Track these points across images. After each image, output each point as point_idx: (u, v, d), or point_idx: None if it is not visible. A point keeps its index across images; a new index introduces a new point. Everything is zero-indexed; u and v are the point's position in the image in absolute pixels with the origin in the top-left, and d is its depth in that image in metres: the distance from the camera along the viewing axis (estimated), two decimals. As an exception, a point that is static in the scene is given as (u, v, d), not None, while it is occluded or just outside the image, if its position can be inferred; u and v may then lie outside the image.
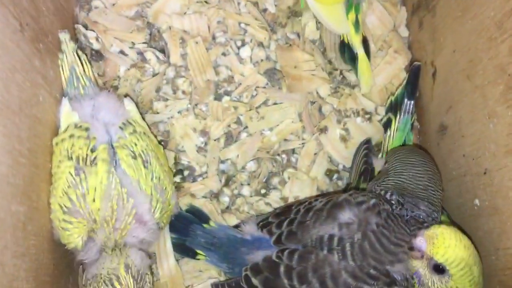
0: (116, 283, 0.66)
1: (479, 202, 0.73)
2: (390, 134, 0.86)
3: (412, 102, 0.87)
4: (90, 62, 0.85)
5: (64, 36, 0.80)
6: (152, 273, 0.72)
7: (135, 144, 0.73)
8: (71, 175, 0.69)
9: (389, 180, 0.73)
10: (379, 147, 0.89)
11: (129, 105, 0.80)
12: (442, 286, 0.65)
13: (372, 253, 0.67)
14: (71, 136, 0.72)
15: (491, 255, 0.70)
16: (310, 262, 0.68)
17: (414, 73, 0.88)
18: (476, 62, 0.72)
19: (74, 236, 0.69)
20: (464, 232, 0.69)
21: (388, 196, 0.72)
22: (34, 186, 0.68)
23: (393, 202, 0.71)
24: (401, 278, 0.67)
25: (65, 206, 0.69)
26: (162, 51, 0.91)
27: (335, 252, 0.67)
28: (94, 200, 0.68)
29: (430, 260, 0.65)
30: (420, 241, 0.65)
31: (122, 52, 0.90)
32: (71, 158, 0.70)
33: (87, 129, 0.72)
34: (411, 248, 0.66)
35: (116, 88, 0.88)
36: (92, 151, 0.71)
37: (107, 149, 0.71)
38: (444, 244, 0.64)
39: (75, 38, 0.87)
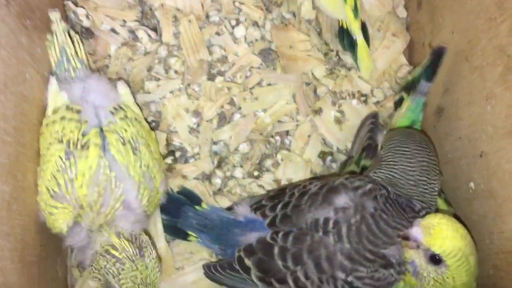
0: (112, 251, 0.65)
1: (474, 186, 0.72)
2: (400, 113, 0.82)
3: (430, 84, 0.80)
4: (82, 42, 0.83)
5: (55, 16, 0.77)
6: (151, 239, 0.70)
7: (125, 130, 0.71)
8: (61, 158, 0.67)
9: (381, 172, 0.72)
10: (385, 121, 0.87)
11: (122, 89, 0.77)
12: (438, 276, 0.64)
13: (369, 235, 0.66)
14: (62, 118, 0.70)
15: (485, 239, 0.70)
16: (305, 244, 0.68)
17: (438, 55, 0.80)
18: (475, 43, 0.71)
19: (59, 221, 0.68)
20: (458, 218, 0.68)
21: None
22: (20, 165, 0.66)
23: (388, 188, 0.70)
24: (395, 262, 0.66)
25: (53, 190, 0.67)
26: (154, 29, 0.89)
27: (330, 234, 0.67)
28: (81, 186, 0.67)
29: (426, 251, 0.64)
30: (416, 232, 0.64)
31: (113, 30, 0.88)
32: (62, 141, 0.68)
33: (78, 112, 0.70)
34: (406, 238, 0.65)
35: (106, 67, 0.86)
36: (84, 134, 0.69)
37: (99, 133, 0.70)
38: (442, 235, 0.63)
39: (64, 15, 0.85)
